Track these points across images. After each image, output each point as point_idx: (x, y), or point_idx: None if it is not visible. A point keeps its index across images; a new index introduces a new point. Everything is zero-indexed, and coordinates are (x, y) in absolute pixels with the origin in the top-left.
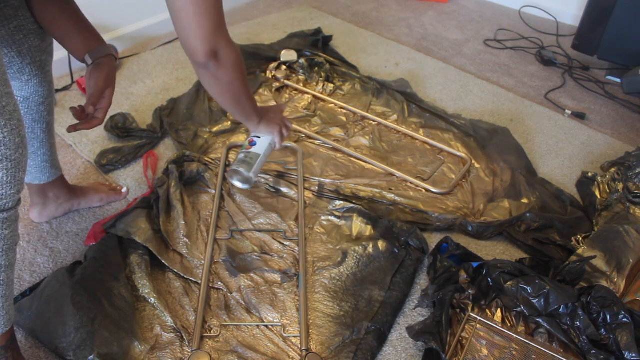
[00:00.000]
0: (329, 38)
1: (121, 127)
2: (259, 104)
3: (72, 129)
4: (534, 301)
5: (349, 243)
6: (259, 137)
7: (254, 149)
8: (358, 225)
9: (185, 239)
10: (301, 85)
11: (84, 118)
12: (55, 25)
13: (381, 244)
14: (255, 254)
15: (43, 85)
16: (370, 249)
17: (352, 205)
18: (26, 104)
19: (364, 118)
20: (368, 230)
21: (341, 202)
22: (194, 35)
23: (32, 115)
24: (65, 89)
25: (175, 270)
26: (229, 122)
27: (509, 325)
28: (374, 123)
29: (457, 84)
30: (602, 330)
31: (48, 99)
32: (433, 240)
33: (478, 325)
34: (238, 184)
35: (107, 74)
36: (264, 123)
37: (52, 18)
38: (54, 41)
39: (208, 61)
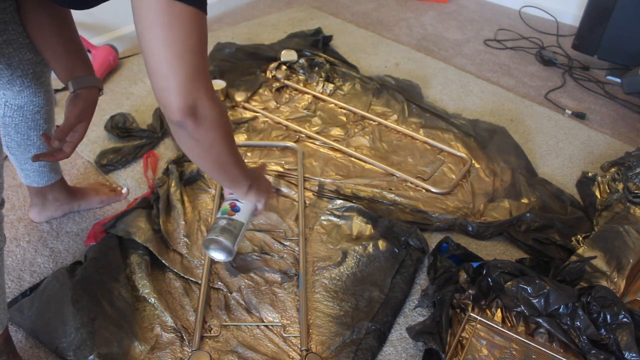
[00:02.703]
0: (329, 38)
1: (121, 127)
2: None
3: (35, 158)
4: (534, 301)
5: (349, 243)
6: (242, 202)
7: (237, 216)
8: (358, 225)
9: (185, 239)
10: (301, 85)
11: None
12: (44, 45)
13: (381, 244)
14: (255, 254)
15: (38, 95)
16: (370, 248)
17: (352, 204)
18: (20, 112)
19: (364, 118)
20: (368, 229)
21: (341, 201)
22: (167, 86)
23: (27, 123)
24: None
25: (175, 270)
26: None
27: (509, 325)
28: (374, 123)
29: (457, 84)
30: (602, 330)
31: (45, 108)
32: (433, 240)
33: (478, 325)
34: (215, 255)
35: (81, 109)
36: (254, 190)
37: (43, 37)
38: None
39: (185, 120)
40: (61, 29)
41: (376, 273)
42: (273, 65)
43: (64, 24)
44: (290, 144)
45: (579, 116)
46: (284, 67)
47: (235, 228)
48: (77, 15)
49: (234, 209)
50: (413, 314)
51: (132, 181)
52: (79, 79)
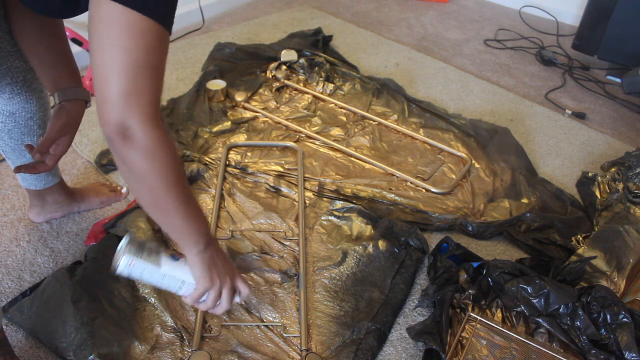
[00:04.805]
0: (329, 38)
1: None
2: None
3: (17, 170)
4: (534, 301)
5: (349, 243)
6: (186, 264)
7: (163, 260)
8: (358, 225)
9: None
10: (301, 85)
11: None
12: (31, 53)
13: (381, 244)
14: (255, 254)
15: (29, 102)
16: (370, 248)
17: (352, 205)
18: (12, 119)
19: (364, 118)
20: (368, 230)
21: (341, 202)
22: (103, 96)
23: (21, 129)
24: None
25: None
26: (229, 122)
27: (509, 325)
28: (374, 123)
29: (457, 84)
30: (602, 330)
31: (38, 114)
32: (433, 240)
33: (478, 325)
34: (116, 259)
35: (63, 123)
36: (202, 261)
37: (29, 45)
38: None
39: (113, 135)
40: (49, 38)
41: (376, 273)
42: (273, 65)
43: (53, 34)
44: (290, 143)
45: (579, 116)
46: (284, 67)
47: (146, 261)
48: (80, 16)
49: (173, 256)
50: (413, 314)
51: None
52: (64, 91)
